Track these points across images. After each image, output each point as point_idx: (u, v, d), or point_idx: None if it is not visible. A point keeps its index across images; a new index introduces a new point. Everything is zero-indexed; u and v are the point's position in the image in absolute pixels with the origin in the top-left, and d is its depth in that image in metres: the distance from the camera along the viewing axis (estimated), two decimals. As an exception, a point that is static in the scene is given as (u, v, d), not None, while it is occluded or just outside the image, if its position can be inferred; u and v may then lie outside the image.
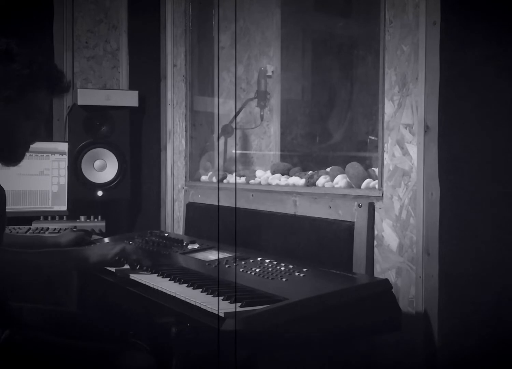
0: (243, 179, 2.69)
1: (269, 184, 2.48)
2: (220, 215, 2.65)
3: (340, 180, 2.13)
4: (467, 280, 1.74)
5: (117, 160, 3.08)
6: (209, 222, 2.72)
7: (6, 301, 1.78)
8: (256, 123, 3.01)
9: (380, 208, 1.90)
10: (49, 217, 2.97)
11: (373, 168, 2.11)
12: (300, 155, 2.83)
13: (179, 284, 1.70)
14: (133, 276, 1.81)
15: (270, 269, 1.76)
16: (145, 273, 1.86)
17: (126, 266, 1.92)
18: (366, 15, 2.40)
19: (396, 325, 1.58)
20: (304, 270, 1.71)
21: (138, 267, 1.90)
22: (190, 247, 2.22)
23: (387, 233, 1.87)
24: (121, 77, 3.37)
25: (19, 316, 1.83)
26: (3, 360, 1.54)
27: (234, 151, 3.11)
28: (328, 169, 2.31)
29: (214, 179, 2.85)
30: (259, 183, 2.55)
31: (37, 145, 2.94)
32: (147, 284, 1.74)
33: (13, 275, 1.62)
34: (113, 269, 1.89)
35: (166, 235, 2.52)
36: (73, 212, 3.04)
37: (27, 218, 2.91)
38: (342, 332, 1.51)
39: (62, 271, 1.83)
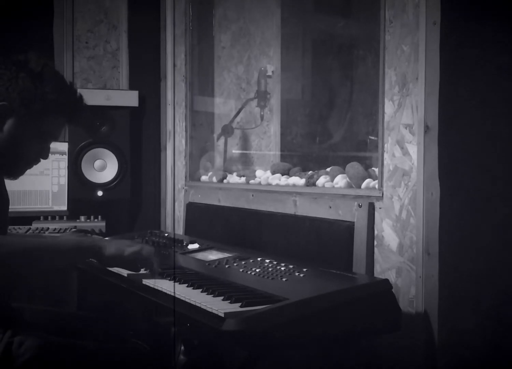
0: (243, 179, 2.69)
1: (269, 184, 2.48)
2: (220, 215, 2.66)
3: (340, 181, 2.13)
4: (467, 280, 1.74)
5: (117, 160, 3.08)
6: (209, 222, 2.72)
7: (8, 301, 1.78)
8: (256, 123, 3.01)
9: (380, 208, 1.90)
10: (49, 217, 2.97)
11: (373, 168, 2.11)
12: (300, 155, 2.83)
13: (179, 284, 1.70)
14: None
15: (270, 269, 1.76)
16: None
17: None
18: (366, 15, 2.40)
19: (396, 325, 1.58)
20: (304, 270, 1.71)
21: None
22: (190, 247, 2.22)
23: (387, 233, 1.87)
24: (121, 77, 3.37)
25: (20, 317, 1.84)
26: (6, 360, 1.55)
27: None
28: (328, 169, 2.31)
29: (214, 179, 2.85)
30: (259, 184, 2.55)
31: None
32: (147, 284, 1.74)
33: (31, 260, 1.63)
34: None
35: (166, 235, 2.52)
36: (73, 212, 3.04)
37: (27, 218, 2.91)
38: (342, 332, 1.51)
39: (77, 258, 1.81)
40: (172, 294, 1.60)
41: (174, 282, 1.73)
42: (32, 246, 1.64)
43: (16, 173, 1.76)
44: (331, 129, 2.70)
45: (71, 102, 1.73)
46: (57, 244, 1.73)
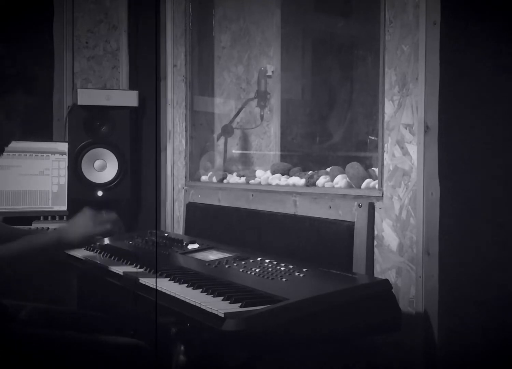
0: (243, 179, 2.69)
1: (269, 184, 2.48)
2: (220, 215, 2.66)
3: (340, 181, 2.13)
4: (467, 280, 1.74)
5: (117, 160, 3.07)
6: (209, 222, 2.72)
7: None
8: (256, 123, 3.01)
9: (380, 208, 1.90)
10: (49, 217, 2.96)
11: (373, 168, 2.11)
12: (300, 155, 2.83)
13: (179, 284, 1.70)
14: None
15: (270, 269, 1.76)
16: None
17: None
18: (366, 15, 2.40)
19: (396, 325, 1.58)
20: (304, 270, 1.71)
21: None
22: (190, 247, 2.22)
23: (387, 233, 1.87)
24: (121, 77, 3.37)
25: (15, 314, 1.83)
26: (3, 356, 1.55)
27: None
28: (328, 169, 2.31)
29: (214, 179, 2.85)
30: (259, 184, 2.55)
31: (37, 145, 2.96)
32: (146, 284, 1.74)
33: None
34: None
35: (166, 235, 2.52)
36: (73, 212, 3.03)
37: (27, 218, 2.90)
38: (342, 332, 1.51)
39: (39, 253, 1.79)
40: (171, 294, 1.60)
41: (173, 281, 1.73)
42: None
43: None
44: (331, 129, 2.70)
45: (23, 73, 1.70)
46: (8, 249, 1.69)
